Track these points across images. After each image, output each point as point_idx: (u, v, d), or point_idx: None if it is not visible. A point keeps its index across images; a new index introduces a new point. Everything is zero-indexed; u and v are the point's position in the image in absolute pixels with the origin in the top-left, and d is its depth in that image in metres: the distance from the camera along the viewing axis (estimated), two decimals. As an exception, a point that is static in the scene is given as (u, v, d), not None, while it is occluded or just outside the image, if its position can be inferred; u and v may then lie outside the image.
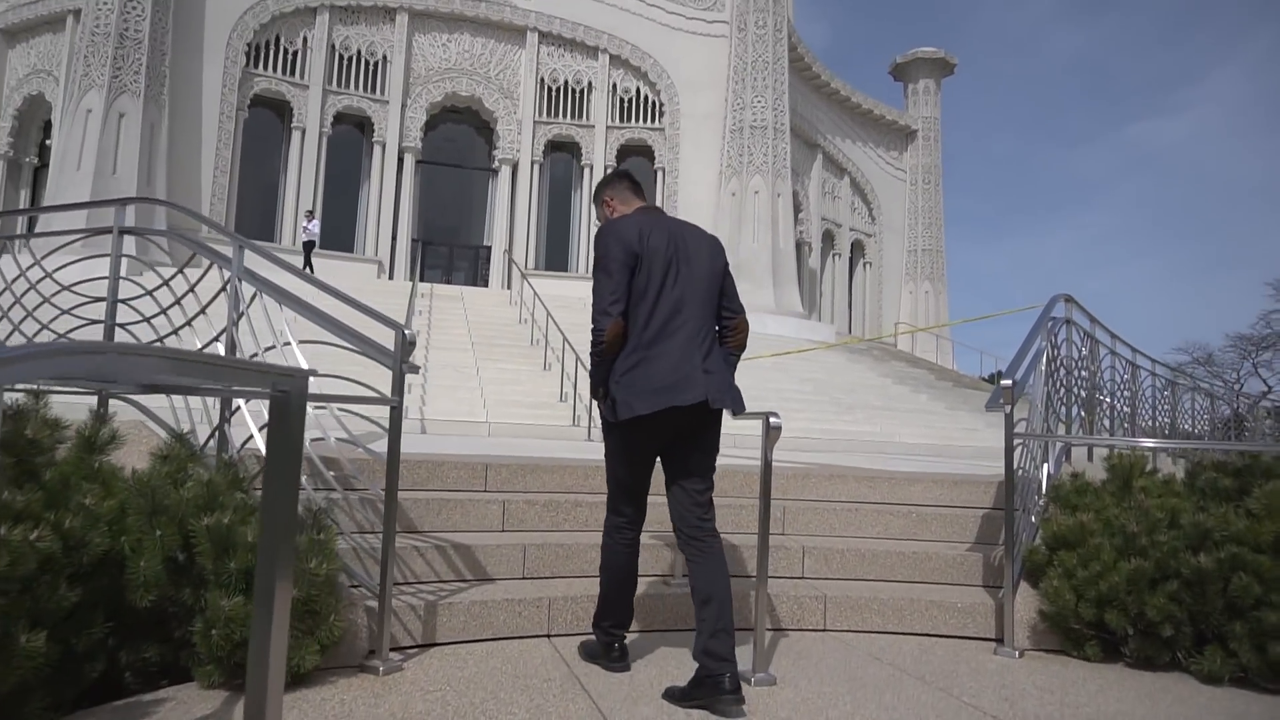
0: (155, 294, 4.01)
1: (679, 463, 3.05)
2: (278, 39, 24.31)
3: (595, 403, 3.18)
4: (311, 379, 3.68)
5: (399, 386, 3.18)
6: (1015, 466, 4.01)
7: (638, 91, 27.16)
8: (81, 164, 20.35)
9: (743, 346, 3.20)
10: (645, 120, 27.13)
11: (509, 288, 22.60)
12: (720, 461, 3.24)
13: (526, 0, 26.31)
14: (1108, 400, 6.74)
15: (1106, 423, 6.71)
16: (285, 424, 1.82)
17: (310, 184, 24.20)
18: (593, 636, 3.35)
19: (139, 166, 20.75)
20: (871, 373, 20.85)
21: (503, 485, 4.80)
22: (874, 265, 33.91)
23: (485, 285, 25.98)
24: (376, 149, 25.17)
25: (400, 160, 25.29)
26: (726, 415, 3.10)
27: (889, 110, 34.62)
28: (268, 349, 3.56)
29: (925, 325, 33.72)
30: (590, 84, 26.86)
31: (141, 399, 4.10)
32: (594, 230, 26.14)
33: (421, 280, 25.02)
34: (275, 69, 24.21)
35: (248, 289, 3.63)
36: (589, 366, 3.08)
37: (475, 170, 27.42)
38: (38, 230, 21.08)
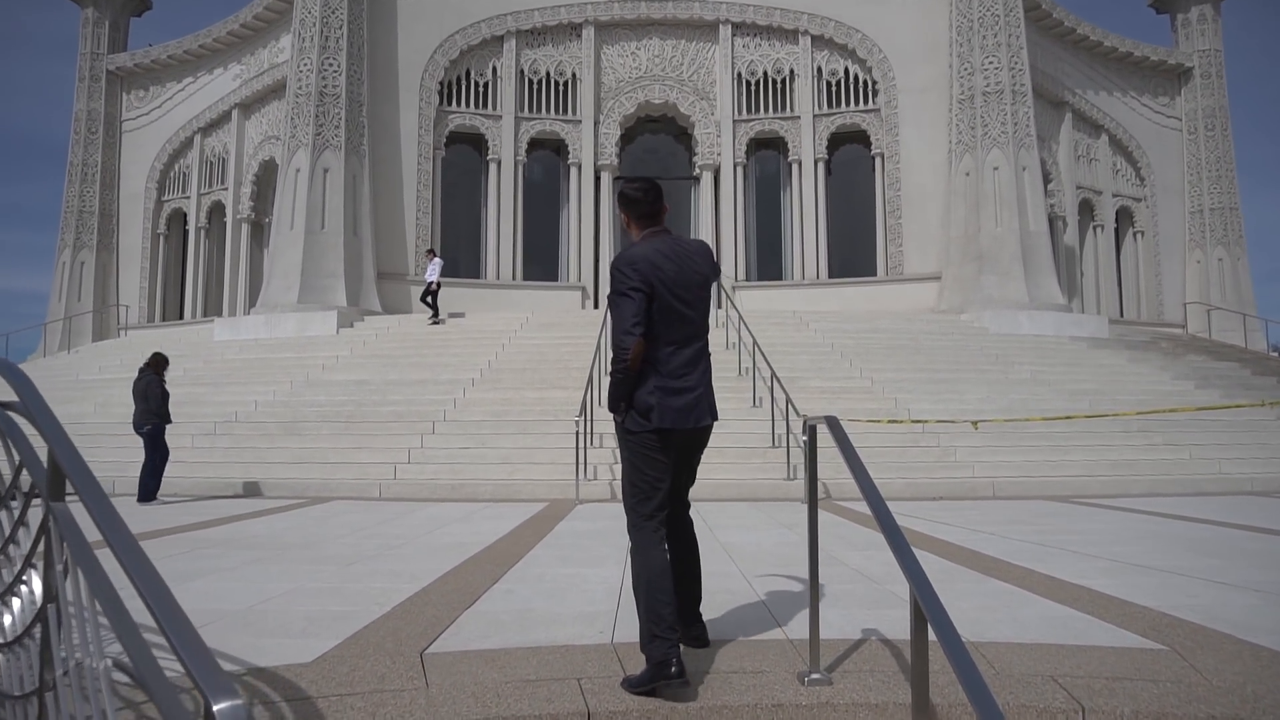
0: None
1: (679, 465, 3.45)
2: (468, 73, 24.07)
3: (614, 416, 3.39)
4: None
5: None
6: None
7: (846, 72, 24.39)
8: (294, 223, 20.95)
9: None
10: (857, 103, 24.29)
11: (719, 306, 20.75)
12: None
13: (716, -8, 24.41)
14: None
15: None
16: None
17: (510, 214, 23.72)
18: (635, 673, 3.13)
19: (344, 219, 21.06)
20: (1164, 374, 16.89)
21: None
22: (1147, 234, 28.62)
23: (693, 304, 24.29)
24: (573, 171, 24.29)
25: (597, 179, 24.24)
26: None
27: (1153, 50, 29.16)
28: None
29: (1220, 300, 28.04)
30: (792, 71, 24.45)
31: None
32: (804, 229, 23.79)
33: (627, 303, 23.83)
34: (467, 104, 23.97)
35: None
36: (612, 382, 3.30)
37: (677, 180, 25.86)
38: (259, 306, 21.87)
